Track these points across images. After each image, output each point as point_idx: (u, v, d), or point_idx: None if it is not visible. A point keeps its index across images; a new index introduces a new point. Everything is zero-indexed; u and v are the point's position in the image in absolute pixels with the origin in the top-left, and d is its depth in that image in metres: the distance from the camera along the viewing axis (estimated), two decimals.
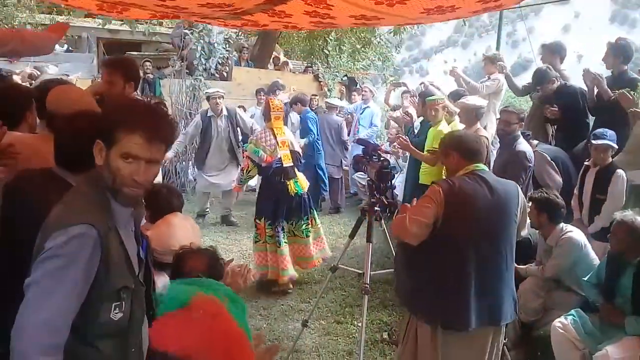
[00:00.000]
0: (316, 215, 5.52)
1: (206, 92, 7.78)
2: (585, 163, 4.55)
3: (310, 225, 5.34)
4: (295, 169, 5.26)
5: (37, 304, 1.49)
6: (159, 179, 4.25)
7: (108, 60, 3.56)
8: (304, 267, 5.46)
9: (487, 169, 2.91)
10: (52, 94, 2.50)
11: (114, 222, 1.65)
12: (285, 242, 5.18)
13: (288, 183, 5.09)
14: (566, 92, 5.45)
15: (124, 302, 1.64)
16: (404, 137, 5.62)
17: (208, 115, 7.38)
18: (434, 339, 2.77)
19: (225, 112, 7.34)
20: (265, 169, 5.13)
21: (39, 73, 8.86)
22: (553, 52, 5.96)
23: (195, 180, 8.67)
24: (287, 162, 5.10)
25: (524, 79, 6.69)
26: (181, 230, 3.04)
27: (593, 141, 4.31)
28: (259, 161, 5.05)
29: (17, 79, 6.66)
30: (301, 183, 5.24)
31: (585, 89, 5.27)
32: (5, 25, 12.56)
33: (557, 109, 5.32)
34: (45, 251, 1.52)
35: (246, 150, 5.32)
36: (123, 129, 1.58)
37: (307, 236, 5.30)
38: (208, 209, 7.83)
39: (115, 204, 1.66)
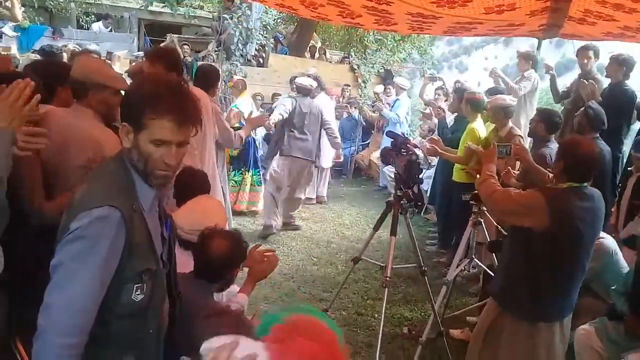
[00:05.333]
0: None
1: None
2: (629, 168, 4.43)
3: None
4: None
5: (62, 285, 1.51)
6: None
7: (150, 51, 3.59)
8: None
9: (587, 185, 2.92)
10: (75, 65, 2.62)
11: (138, 204, 1.65)
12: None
13: None
14: (617, 92, 5.20)
15: (145, 284, 1.65)
16: (431, 143, 5.55)
17: None
18: (527, 332, 2.93)
19: None
20: None
21: (80, 49, 9.01)
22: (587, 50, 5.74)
23: None
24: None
25: (568, 78, 6.49)
26: (212, 211, 3.07)
27: (633, 152, 4.18)
28: None
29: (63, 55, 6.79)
30: None
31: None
32: (51, 2, 12.89)
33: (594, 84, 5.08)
34: (70, 232, 1.53)
35: None
36: (152, 114, 1.56)
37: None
38: None
39: (141, 185, 1.66)
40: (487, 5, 2.54)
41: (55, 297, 1.50)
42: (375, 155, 9.56)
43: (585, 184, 2.89)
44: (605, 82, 5.38)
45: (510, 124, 4.90)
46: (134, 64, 7.61)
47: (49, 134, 2.07)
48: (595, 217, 2.90)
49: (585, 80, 5.06)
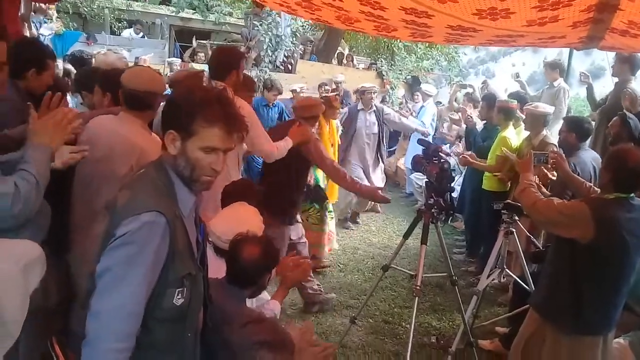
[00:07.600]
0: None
1: (362, 86, 7.41)
2: None
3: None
4: None
5: (110, 290, 1.52)
6: None
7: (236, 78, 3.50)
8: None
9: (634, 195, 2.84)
10: (128, 73, 2.73)
11: (179, 210, 1.67)
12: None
13: None
14: None
15: (186, 289, 1.67)
16: (465, 153, 5.55)
17: (358, 108, 7.16)
18: (570, 345, 2.89)
19: (374, 108, 7.14)
20: None
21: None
22: (623, 62, 5.63)
23: None
24: None
25: (597, 86, 6.38)
26: (246, 219, 3.08)
27: None
28: None
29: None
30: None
31: None
32: (85, 8, 13.19)
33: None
34: (117, 238, 1.54)
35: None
36: (202, 122, 1.59)
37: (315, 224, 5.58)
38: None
39: (182, 191, 1.68)
40: (530, 18, 2.49)
41: (105, 303, 1.51)
42: (402, 162, 9.51)
43: (632, 194, 2.81)
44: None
45: (545, 132, 4.84)
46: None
47: (98, 142, 2.13)
48: None
49: (627, 90, 4.95)
